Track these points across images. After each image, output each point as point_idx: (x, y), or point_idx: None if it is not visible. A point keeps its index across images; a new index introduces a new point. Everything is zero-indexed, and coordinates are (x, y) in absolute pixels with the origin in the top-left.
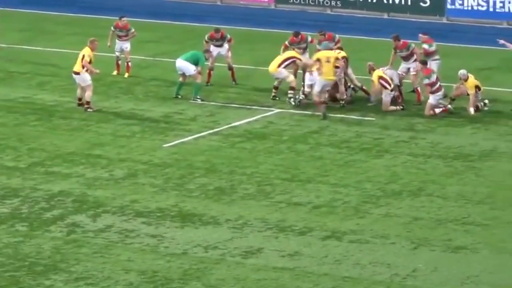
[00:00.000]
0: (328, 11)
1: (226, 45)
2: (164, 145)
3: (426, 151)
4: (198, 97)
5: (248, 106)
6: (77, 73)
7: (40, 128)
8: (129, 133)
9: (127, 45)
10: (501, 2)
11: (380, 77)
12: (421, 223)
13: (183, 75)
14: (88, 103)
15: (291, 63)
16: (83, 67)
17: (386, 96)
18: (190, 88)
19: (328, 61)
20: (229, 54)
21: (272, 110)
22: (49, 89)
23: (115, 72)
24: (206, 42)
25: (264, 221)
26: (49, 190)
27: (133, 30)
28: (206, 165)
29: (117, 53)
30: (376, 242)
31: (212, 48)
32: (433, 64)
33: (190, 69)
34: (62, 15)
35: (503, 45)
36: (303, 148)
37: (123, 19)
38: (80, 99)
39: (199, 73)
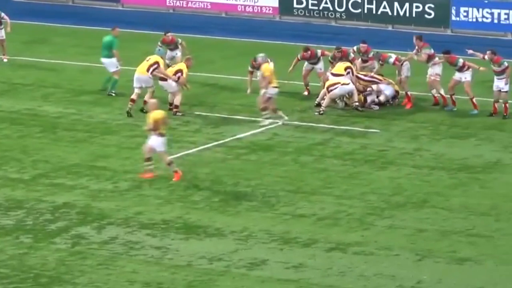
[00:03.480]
0: (333, 23)
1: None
2: (169, 157)
3: (430, 163)
4: (114, 91)
5: (253, 118)
6: (164, 80)
7: (44, 140)
8: (134, 145)
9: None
10: (505, 14)
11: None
12: (426, 235)
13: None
14: (177, 107)
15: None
16: (178, 79)
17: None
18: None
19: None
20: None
21: (277, 122)
22: (53, 101)
23: None
24: (298, 60)
25: (268, 233)
26: (53, 202)
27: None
28: (211, 177)
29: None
30: (380, 254)
31: (306, 64)
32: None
33: (114, 64)
34: (64, 27)
35: (472, 55)
36: (307, 160)
37: (168, 34)
38: (171, 104)
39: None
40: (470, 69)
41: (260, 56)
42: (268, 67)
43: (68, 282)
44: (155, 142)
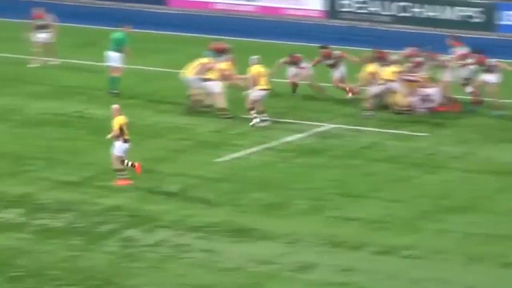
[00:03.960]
0: (379, 27)
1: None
2: (217, 160)
3: (479, 167)
4: (116, 90)
5: (301, 121)
6: (208, 80)
7: (93, 143)
8: (182, 148)
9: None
10: None
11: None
12: (475, 238)
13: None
14: (222, 109)
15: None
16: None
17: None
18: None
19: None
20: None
21: (325, 126)
22: (101, 104)
23: None
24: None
25: (317, 236)
26: (103, 204)
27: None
28: (259, 180)
29: None
30: (429, 257)
31: (331, 72)
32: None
33: (118, 61)
34: (112, 30)
35: None
36: (355, 163)
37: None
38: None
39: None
40: (499, 71)
41: (253, 58)
42: (254, 68)
43: (118, 284)
44: (119, 147)
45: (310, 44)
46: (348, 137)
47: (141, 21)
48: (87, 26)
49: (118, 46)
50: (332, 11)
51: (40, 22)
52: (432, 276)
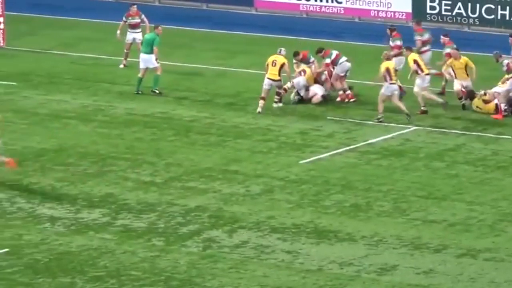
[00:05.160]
0: (466, 29)
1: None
2: (301, 162)
3: None
4: (157, 89)
5: (385, 123)
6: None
7: (177, 143)
8: (266, 149)
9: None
10: None
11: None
12: None
13: (145, 70)
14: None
15: None
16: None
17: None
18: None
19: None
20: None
21: (409, 128)
22: (187, 105)
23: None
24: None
25: (399, 238)
26: (185, 205)
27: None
28: (342, 181)
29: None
30: (511, 260)
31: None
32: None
33: (153, 61)
34: (199, 31)
35: None
36: (439, 165)
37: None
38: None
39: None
40: None
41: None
42: (270, 58)
43: (199, 285)
44: None
45: None
46: (432, 139)
47: (228, 22)
48: (172, 26)
49: (149, 47)
50: (418, 13)
51: (133, 21)
52: None
